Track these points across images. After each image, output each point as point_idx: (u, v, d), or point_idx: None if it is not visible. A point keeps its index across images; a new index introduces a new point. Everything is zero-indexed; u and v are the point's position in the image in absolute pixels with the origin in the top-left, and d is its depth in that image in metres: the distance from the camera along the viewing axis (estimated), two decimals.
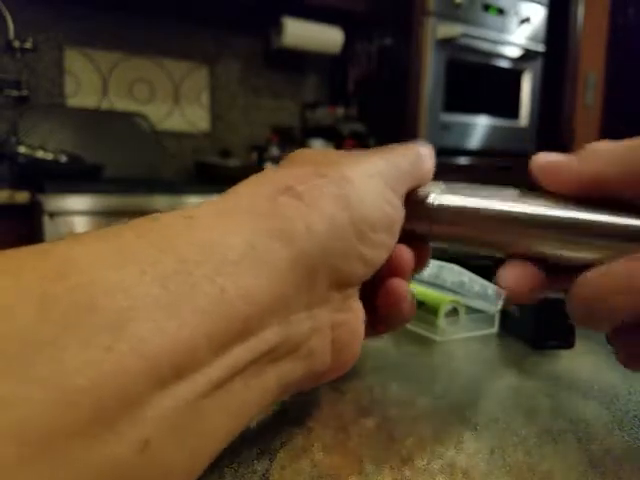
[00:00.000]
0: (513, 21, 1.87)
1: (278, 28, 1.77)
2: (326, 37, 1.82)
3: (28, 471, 0.09)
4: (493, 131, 1.91)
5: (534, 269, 0.19)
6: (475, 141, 1.87)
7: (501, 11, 1.84)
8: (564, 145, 2.03)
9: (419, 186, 0.20)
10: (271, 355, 0.15)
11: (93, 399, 0.10)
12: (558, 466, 0.18)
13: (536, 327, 0.31)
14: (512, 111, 1.96)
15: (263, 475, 0.17)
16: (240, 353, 0.13)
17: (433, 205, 0.20)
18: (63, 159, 1.38)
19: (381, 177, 0.18)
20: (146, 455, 0.11)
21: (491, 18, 1.82)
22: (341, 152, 0.20)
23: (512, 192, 0.19)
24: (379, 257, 0.18)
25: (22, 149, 1.35)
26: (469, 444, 0.20)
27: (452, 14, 1.73)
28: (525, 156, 0.19)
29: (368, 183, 0.18)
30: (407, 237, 0.20)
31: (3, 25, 1.32)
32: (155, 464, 0.11)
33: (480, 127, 1.87)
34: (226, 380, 0.13)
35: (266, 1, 1.74)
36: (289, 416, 0.22)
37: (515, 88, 1.96)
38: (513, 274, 0.18)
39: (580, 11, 2.03)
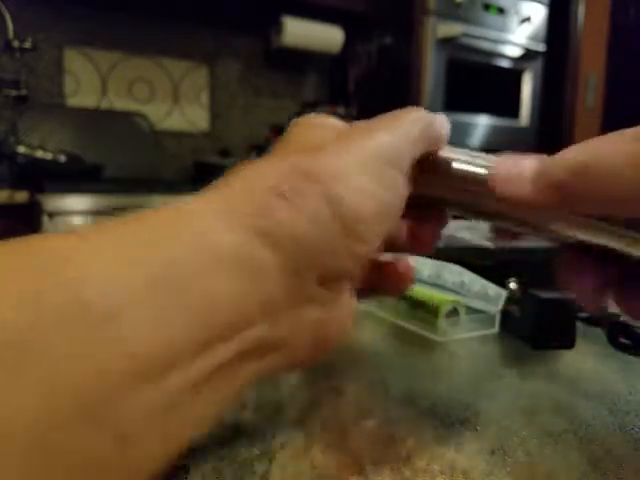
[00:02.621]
0: (513, 20, 1.87)
1: (278, 27, 1.77)
2: (326, 36, 1.82)
3: (22, 459, 0.10)
4: (493, 131, 1.90)
5: (586, 261, 0.18)
6: (475, 141, 1.86)
7: (501, 10, 1.84)
8: (564, 146, 2.03)
9: (434, 150, 0.20)
10: (254, 353, 0.15)
11: (76, 396, 0.11)
12: (559, 466, 0.18)
13: (536, 327, 0.31)
14: (512, 111, 1.96)
15: (263, 476, 0.17)
16: (222, 352, 0.14)
17: (449, 170, 0.19)
18: (62, 159, 1.38)
19: (380, 158, 0.17)
20: (124, 447, 0.12)
21: (491, 17, 1.82)
22: (337, 131, 0.18)
23: None
24: (369, 249, 0.17)
25: (21, 149, 1.35)
26: (469, 444, 0.20)
27: (452, 13, 1.73)
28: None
29: (360, 172, 0.17)
30: (424, 202, 0.20)
31: (3, 25, 1.31)
32: (132, 454, 0.12)
33: (480, 127, 1.87)
34: (206, 378, 0.13)
35: (266, 1, 1.74)
36: (289, 416, 0.22)
37: (515, 88, 1.96)
38: (571, 269, 0.18)
39: (581, 11, 2.02)
